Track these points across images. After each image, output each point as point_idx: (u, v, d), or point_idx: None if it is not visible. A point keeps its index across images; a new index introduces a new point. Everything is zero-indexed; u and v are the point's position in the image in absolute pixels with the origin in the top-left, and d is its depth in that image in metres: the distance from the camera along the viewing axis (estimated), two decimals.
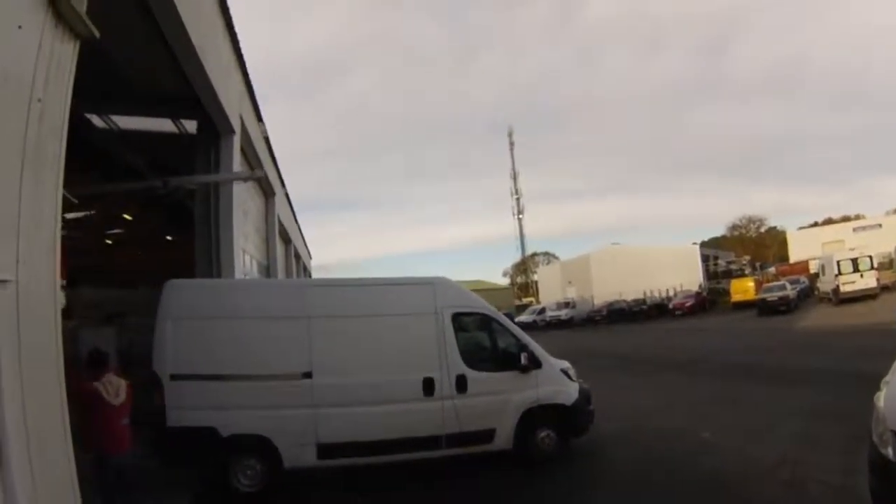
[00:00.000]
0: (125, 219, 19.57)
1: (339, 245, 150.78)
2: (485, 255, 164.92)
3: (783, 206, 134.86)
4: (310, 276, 38.46)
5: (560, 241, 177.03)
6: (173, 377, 8.05)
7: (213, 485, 8.36)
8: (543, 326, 50.67)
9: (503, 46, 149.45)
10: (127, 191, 12.47)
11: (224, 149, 12.64)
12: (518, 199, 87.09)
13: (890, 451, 4.76)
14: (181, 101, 11.32)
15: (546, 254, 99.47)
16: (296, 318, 8.61)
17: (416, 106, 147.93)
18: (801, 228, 79.87)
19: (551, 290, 72.62)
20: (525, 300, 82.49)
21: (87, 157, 12.81)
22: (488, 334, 9.69)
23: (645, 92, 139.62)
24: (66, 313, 11.08)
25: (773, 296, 36.27)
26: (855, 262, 34.99)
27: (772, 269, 62.92)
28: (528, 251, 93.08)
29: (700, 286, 58.97)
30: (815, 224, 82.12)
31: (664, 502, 7.29)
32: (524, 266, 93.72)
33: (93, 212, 16.79)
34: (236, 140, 13.03)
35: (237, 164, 13.09)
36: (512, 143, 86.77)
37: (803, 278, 46.41)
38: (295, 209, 29.14)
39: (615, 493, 7.82)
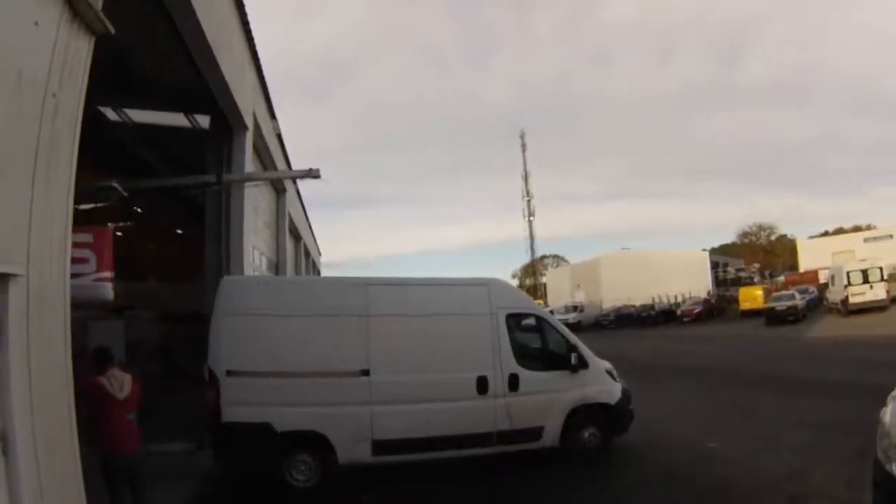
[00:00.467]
0: (136, 212, 19.65)
1: (348, 243, 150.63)
2: (494, 256, 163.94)
3: (794, 214, 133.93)
4: (318, 274, 38.54)
5: (570, 243, 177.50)
6: (229, 373, 8.14)
7: (267, 480, 8.41)
8: None
9: (517, 47, 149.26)
10: (178, 186, 12.37)
11: (236, 145, 12.68)
12: (529, 201, 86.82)
13: (895, 468, 4.72)
14: (194, 97, 11.33)
15: (555, 256, 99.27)
16: (354, 316, 8.71)
17: (428, 105, 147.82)
18: (811, 237, 79.43)
19: (560, 293, 72.41)
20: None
21: (101, 149, 12.87)
22: (539, 334, 9.90)
23: (658, 96, 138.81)
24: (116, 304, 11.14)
25: (781, 305, 36.06)
26: (865, 272, 34.71)
27: (781, 278, 62.63)
28: (538, 253, 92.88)
29: (709, 293, 58.72)
30: (826, 233, 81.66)
31: None
32: (533, 268, 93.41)
33: (103, 204, 16.85)
34: (249, 136, 13.06)
35: (249, 160, 13.12)
36: (524, 145, 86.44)
37: (812, 288, 46.10)
38: (305, 206, 29.16)
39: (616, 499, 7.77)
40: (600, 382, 9.71)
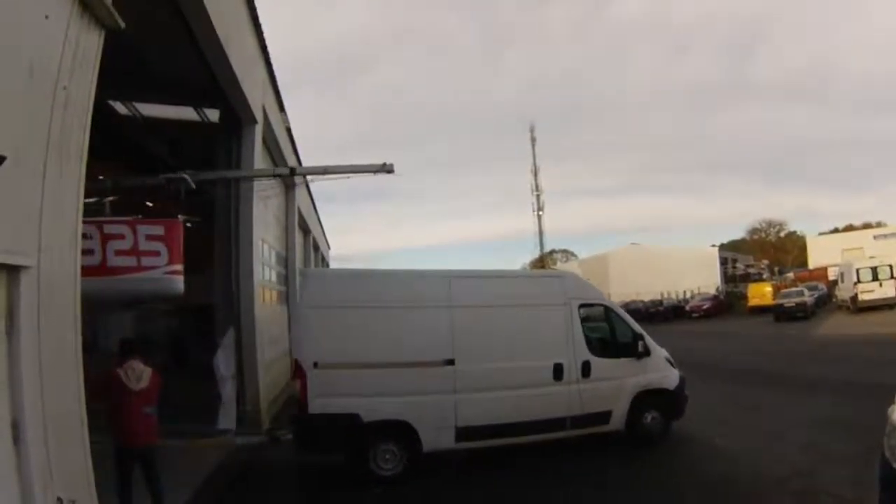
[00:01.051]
0: (147, 205, 19.68)
1: (357, 236, 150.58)
2: (503, 250, 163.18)
3: (805, 211, 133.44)
4: (327, 267, 38.61)
5: (579, 238, 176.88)
6: (317, 365, 8.35)
7: (352, 470, 8.64)
8: None
9: (529, 42, 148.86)
10: (247, 177, 12.35)
11: (246, 138, 12.70)
12: (538, 196, 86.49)
13: None
14: (204, 90, 11.37)
15: (564, 251, 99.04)
16: (439, 308, 9.01)
17: (438, 99, 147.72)
18: (821, 234, 79.02)
19: None
20: None
21: (110, 143, 12.92)
22: (608, 324, 10.38)
23: (670, 92, 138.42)
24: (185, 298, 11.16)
25: (790, 301, 35.93)
26: (874, 270, 34.59)
27: (790, 275, 62.34)
28: (547, 248, 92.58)
29: (718, 289, 58.56)
30: (836, 230, 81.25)
31: None
32: (542, 263, 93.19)
33: (114, 198, 16.91)
34: (258, 130, 13.09)
35: (258, 154, 13.14)
36: (533, 139, 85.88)
37: (821, 285, 45.92)
38: (315, 200, 29.16)
39: (625, 496, 7.79)
40: (661, 369, 10.28)
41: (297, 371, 8.43)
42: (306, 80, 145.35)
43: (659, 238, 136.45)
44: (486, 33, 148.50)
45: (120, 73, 9.99)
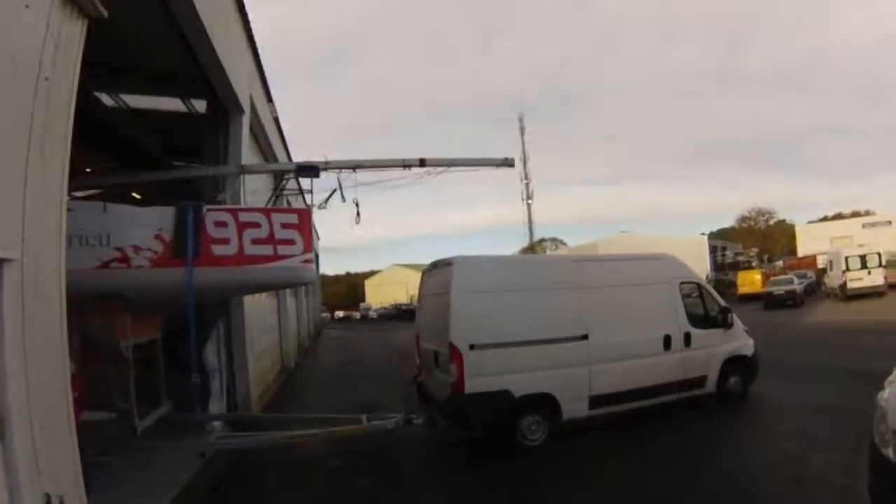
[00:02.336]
0: (134, 198, 19.55)
1: (346, 227, 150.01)
2: (493, 239, 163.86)
3: (794, 200, 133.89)
4: (317, 256, 38.59)
5: (569, 227, 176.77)
6: (472, 347, 8.97)
7: (501, 442, 9.20)
8: None
9: (520, 31, 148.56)
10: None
11: (233, 128, 12.61)
12: (527, 185, 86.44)
13: (891, 452, 4.72)
14: (190, 81, 11.26)
15: (554, 240, 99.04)
16: (573, 289, 9.95)
17: (429, 88, 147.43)
18: (810, 223, 79.43)
19: None
20: None
21: (97, 135, 12.81)
22: (701, 299, 11.50)
23: (661, 81, 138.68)
24: None
25: (779, 289, 36.15)
26: (863, 258, 34.80)
27: (779, 263, 62.59)
28: (537, 236, 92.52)
29: (707, 277, 58.74)
30: (825, 219, 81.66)
31: (666, 498, 7.27)
32: (532, 251, 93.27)
33: (101, 190, 16.79)
34: (245, 120, 13.00)
35: (246, 144, 13.06)
36: (522, 128, 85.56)
37: (810, 273, 46.15)
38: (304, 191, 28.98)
39: (616, 486, 7.80)
40: (742, 338, 11.65)
41: (454, 354, 8.93)
42: (295, 71, 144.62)
43: (649, 226, 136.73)
44: (476, 21, 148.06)
45: (105, 64, 9.91)
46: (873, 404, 5.28)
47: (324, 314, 66.77)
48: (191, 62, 10.14)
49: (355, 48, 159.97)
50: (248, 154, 13.22)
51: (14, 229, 4.01)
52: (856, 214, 76.49)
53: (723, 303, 11.71)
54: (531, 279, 9.91)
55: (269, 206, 9.30)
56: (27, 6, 4.07)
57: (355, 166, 9.67)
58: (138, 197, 19.50)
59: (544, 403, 9.35)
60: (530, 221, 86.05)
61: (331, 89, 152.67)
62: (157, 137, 15.04)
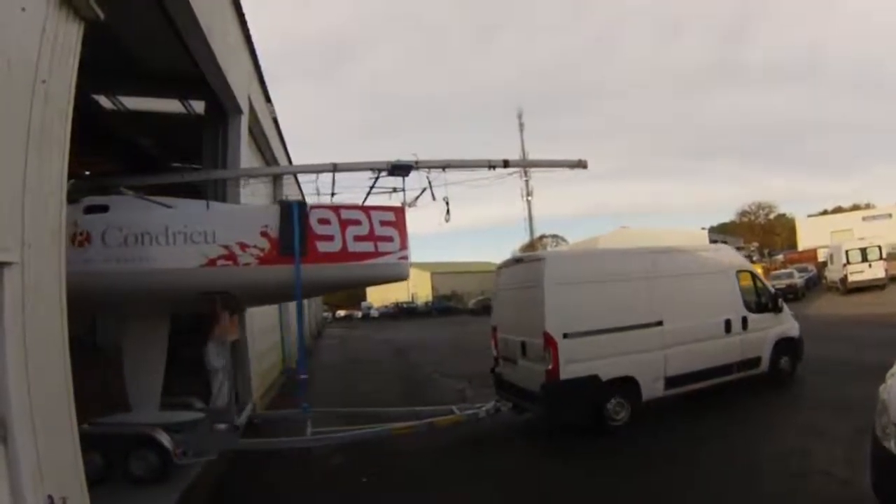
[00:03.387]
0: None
1: None
2: (494, 236, 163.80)
3: (795, 193, 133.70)
4: None
5: (569, 222, 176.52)
6: (565, 336, 9.59)
7: (590, 425, 9.92)
8: None
9: (520, 27, 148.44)
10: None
11: (232, 129, 12.60)
12: (527, 181, 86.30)
13: (892, 445, 4.74)
14: (189, 82, 11.25)
15: (555, 236, 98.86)
16: (649, 278, 10.66)
17: (429, 85, 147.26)
18: (810, 216, 79.36)
19: None
20: None
21: (94, 137, 12.82)
22: (754, 286, 12.41)
23: (661, 76, 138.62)
24: None
25: (780, 283, 36.01)
26: (864, 251, 34.83)
27: (780, 257, 62.56)
28: (537, 233, 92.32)
29: None
30: (825, 212, 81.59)
31: (668, 491, 7.28)
32: (532, 248, 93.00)
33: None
34: (244, 120, 12.99)
35: (244, 144, 13.05)
36: (521, 124, 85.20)
37: (811, 266, 46.14)
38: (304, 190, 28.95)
39: (615, 479, 7.80)
40: (789, 321, 12.67)
41: (548, 342, 9.50)
42: (294, 71, 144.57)
43: (650, 221, 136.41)
44: (474, 17, 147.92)
45: (103, 66, 9.90)
46: (874, 397, 5.29)
47: (325, 313, 66.70)
48: (188, 63, 10.13)
49: (350, 47, 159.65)
50: (246, 154, 13.22)
51: (14, 232, 4.01)
52: (856, 208, 76.53)
53: (773, 289, 12.89)
54: (613, 271, 10.59)
55: (365, 204, 9.34)
56: (23, 9, 4.07)
57: (444, 166, 9.79)
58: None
59: (627, 386, 10.05)
60: (531, 218, 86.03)
61: (327, 88, 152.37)
62: (155, 139, 15.04)
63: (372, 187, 9.63)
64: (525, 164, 10.62)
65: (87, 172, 15.21)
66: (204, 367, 10.04)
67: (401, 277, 9.57)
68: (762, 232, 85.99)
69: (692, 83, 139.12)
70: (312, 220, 8.82)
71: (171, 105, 13.12)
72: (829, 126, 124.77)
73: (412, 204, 9.75)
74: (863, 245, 35.54)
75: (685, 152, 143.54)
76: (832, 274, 38.30)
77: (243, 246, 8.39)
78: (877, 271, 34.37)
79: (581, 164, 10.93)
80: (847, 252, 35.13)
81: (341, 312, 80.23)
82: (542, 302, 9.66)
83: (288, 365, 22.32)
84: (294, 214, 8.62)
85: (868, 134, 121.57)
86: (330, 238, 8.78)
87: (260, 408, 13.25)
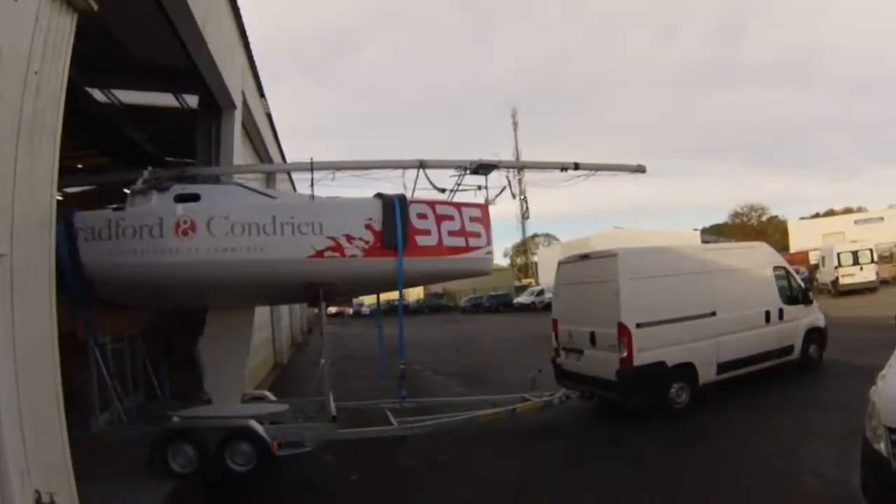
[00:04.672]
0: (126, 193, 19.47)
1: None
2: None
3: (788, 195, 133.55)
4: None
5: (561, 222, 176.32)
6: (638, 325, 10.22)
7: (656, 407, 10.56)
8: (542, 308, 50.37)
9: (516, 24, 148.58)
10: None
11: (225, 124, 12.58)
12: (520, 180, 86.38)
13: (882, 447, 4.75)
14: (182, 76, 11.23)
15: (547, 235, 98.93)
16: (704, 273, 11.49)
17: (423, 82, 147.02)
18: (802, 219, 79.61)
19: (551, 272, 71.60)
20: (524, 281, 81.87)
21: (87, 130, 12.77)
22: (787, 280, 13.24)
23: (655, 75, 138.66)
24: None
25: None
26: (855, 254, 34.99)
27: None
28: (529, 232, 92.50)
29: None
30: (817, 215, 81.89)
31: (659, 487, 7.30)
32: (524, 247, 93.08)
33: (93, 186, 16.73)
34: (237, 115, 12.98)
35: (238, 139, 13.03)
36: (515, 123, 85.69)
37: (803, 269, 46.26)
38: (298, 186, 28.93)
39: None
40: (817, 312, 13.69)
41: (623, 332, 10.13)
42: (289, 66, 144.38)
43: (642, 221, 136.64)
44: (468, 13, 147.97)
45: (97, 59, 9.87)
46: (866, 399, 5.30)
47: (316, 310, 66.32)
48: (182, 57, 10.11)
49: (344, 43, 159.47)
50: (239, 149, 13.19)
51: (3, 224, 3.98)
52: (848, 211, 76.74)
53: (803, 283, 13.97)
54: (675, 266, 11.37)
55: (452, 200, 9.70)
56: (16, 0, 4.03)
57: (521, 167, 10.42)
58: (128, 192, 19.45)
59: (687, 371, 10.73)
60: (523, 217, 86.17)
61: (320, 84, 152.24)
62: (149, 133, 14.99)
63: (458, 184, 9.90)
64: (594, 167, 10.79)
65: (80, 165, 15.17)
66: (198, 362, 10.04)
67: (486, 272, 9.91)
68: (754, 234, 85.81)
69: (685, 84, 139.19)
70: (411, 215, 8.97)
71: (165, 99, 13.11)
72: (821, 129, 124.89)
73: (493, 201, 9.98)
74: (855, 248, 35.69)
75: (678, 153, 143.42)
76: (823, 276, 38.42)
77: (349, 238, 8.52)
78: (868, 274, 34.54)
79: (640, 169, 11.41)
80: (839, 255, 35.27)
81: (332, 309, 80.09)
82: (616, 294, 10.32)
83: (279, 361, 22.34)
84: (396, 208, 8.77)
85: (860, 138, 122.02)
86: (427, 232, 8.99)
87: None
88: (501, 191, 10.11)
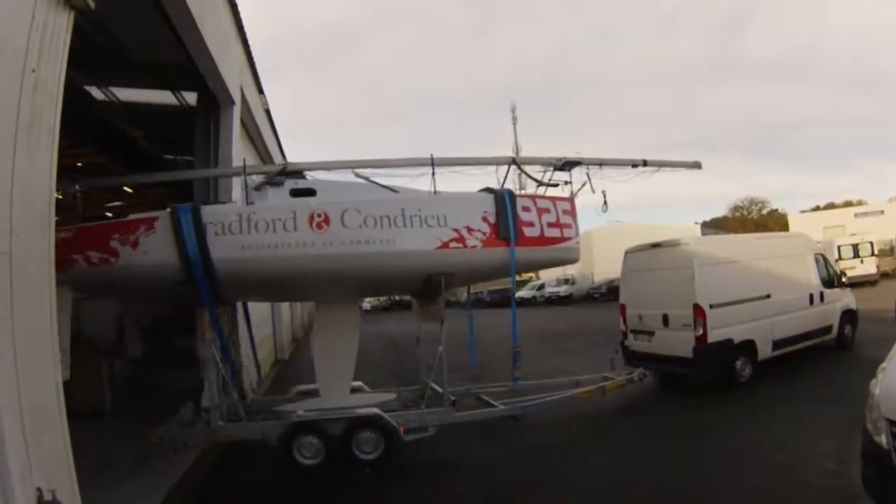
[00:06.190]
0: (126, 192, 19.46)
1: None
2: None
3: (787, 189, 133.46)
4: None
5: None
6: (711, 306, 11.49)
7: (725, 381, 11.81)
8: (542, 302, 50.40)
9: (516, 20, 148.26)
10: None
11: (224, 120, 12.55)
12: (519, 175, 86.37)
13: (883, 439, 4.75)
14: (180, 73, 11.20)
15: None
16: (760, 259, 12.84)
17: (423, 77, 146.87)
18: (802, 212, 79.52)
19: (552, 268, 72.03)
20: (525, 275, 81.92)
21: (85, 128, 12.76)
22: (825, 267, 14.58)
23: (654, 70, 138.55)
24: None
25: None
26: (856, 247, 34.98)
27: None
28: None
29: None
30: (817, 208, 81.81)
31: (659, 482, 7.30)
32: None
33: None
34: (236, 111, 12.95)
35: (237, 136, 13.00)
36: (514, 119, 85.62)
37: None
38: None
39: (605, 473, 7.83)
40: (849, 296, 15.22)
41: (698, 312, 11.41)
42: (289, 62, 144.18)
43: (643, 215, 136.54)
44: (466, 9, 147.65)
45: (94, 57, 9.86)
46: (866, 391, 5.31)
47: None
48: (180, 54, 10.08)
49: (343, 40, 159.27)
50: (237, 145, 13.16)
51: (1, 222, 3.97)
52: (848, 204, 76.75)
53: (838, 269, 15.55)
54: (736, 253, 12.73)
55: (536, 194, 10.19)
56: None
57: (600, 163, 10.45)
58: (130, 191, 19.48)
59: (748, 348, 12.03)
60: (603, 210, 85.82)
61: (322, 80, 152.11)
62: (147, 130, 14.97)
63: (550, 179, 10.34)
64: (658, 164, 11.15)
65: (79, 164, 15.15)
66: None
67: (576, 260, 10.56)
68: (754, 227, 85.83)
69: (688, 77, 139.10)
70: (518, 208, 9.35)
71: (163, 96, 13.08)
72: (821, 123, 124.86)
73: (575, 195, 10.42)
74: (855, 241, 35.67)
75: (678, 147, 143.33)
76: None
77: (470, 230, 8.90)
78: (868, 267, 34.52)
79: (697, 165, 11.78)
80: (839, 248, 35.21)
81: None
82: (691, 279, 11.54)
83: (280, 357, 22.34)
84: (507, 202, 9.16)
85: (863, 131, 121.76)
86: (532, 224, 9.43)
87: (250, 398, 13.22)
88: (582, 186, 10.43)
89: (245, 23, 13.34)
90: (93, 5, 4.89)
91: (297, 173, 9.62)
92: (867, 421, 5.08)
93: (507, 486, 7.71)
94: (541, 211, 9.61)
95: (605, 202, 10.42)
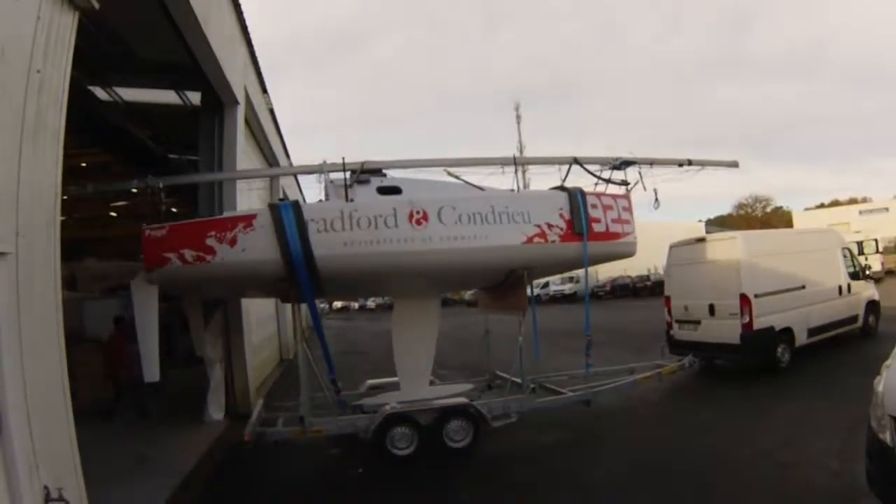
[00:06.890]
0: (130, 192, 19.47)
1: None
2: None
3: (791, 186, 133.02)
4: None
5: None
6: (756, 296, 12.27)
7: (766, 365, 12.57)
8: (547, 301, 50.20)
9: (523, 17, 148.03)
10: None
11: (228, 120, 12.56)
12: (524, 173, 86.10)
13: (888, 436, 4.74)
14: (185, 73, 11.21)
15: None
16: (796, 253, 13.71)
17: (430, 75, 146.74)
18: (807, 210, 79.31)
19: None
20: None
21: (90, 128, 12.77)
22: (851, 260, 15.45)
23: (658, 68, 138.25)
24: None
25: None
26: (860, 245, 34.80)
27: None
28: None
29: None
30: (822, 206, 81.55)
31: (658, 483, 7.29)
32: None
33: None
34: (240, 111, 12.95)
35: (241, 135, 13.01)
36: (518, 117, 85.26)
37: None
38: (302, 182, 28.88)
39: (605, 481, 7.83)
40: (872, 288, 16.02)
41: (744, 301, 12.20)
42: (293, 61, 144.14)
43: (646, 213, 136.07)
44: (469, 7, 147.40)
45: (99, 57, 9.88)
46: (870, 389, 5.29)
47: (322, 304, 66.21)
48: (184, 54, 10.09)
49: (344, 40, 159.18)
50: (243, 145, 13.17)
51: (7, 222, 3.99)
52: (853, 201, 76.47)
53: (862, 263, 16.47)
54: (776, 247, 13.55)
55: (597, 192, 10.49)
56: None
57: (651, 162, 10.85)
58: (135, 191, 19.47)
59: (787, 335, 12.77)
60: (654, 208, 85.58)
61: (328, 78, 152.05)
62: (152, 130, 14.99)
63: (609, 177, 10.63)
64: (701, 163, 11.58)
65: (84, 164, 15.18)
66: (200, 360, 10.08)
67: (633, 254, 10.78)
68: (759, 225, 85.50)
69: (692, 75, 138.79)
70: (588, 205, 9.73)
71: (168, 96, 13.09)
72: (826, 120, 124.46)
73: (630, 191, 10.76)
74: (859, 238, 35.53)
75: (683, 145, 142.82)
76: None
77: (550, 226, 9.30)
78: (873, 264, 34.38)
79: (734, 164, 12.12)
80: None
81: (338, 304, 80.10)
82: (738, 271, 12.35)
83: (285, 356, 22.28)
84: (580, 199, 9.60)
85: (867, 128, 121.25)
86: (599, 220, 9.83)
87: (256, 399, 13.24)
88: (635, 184, 10.75)
89: (249, 22, 13.36)
90: (97, 6, 4.91)
91: (377, 171, 9.77)
92: (871, 418, 5.07)
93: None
94: (605, 208, 10.01)
95: (657, 199, 10.76)
